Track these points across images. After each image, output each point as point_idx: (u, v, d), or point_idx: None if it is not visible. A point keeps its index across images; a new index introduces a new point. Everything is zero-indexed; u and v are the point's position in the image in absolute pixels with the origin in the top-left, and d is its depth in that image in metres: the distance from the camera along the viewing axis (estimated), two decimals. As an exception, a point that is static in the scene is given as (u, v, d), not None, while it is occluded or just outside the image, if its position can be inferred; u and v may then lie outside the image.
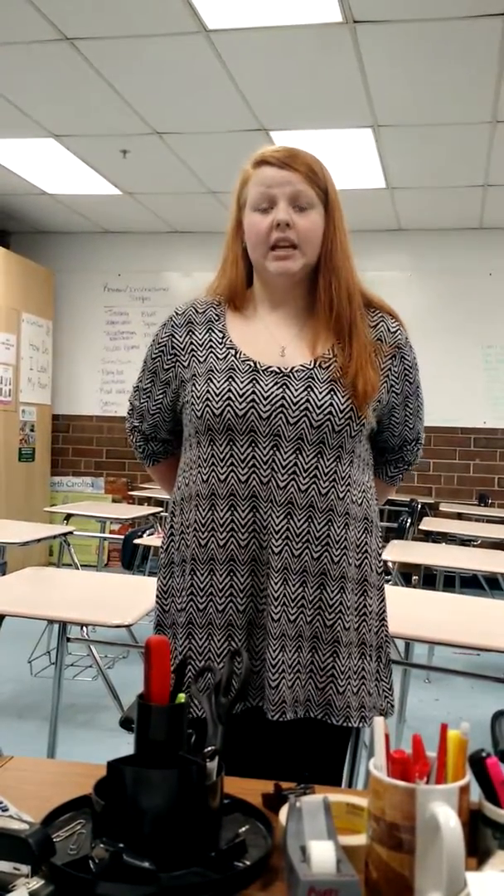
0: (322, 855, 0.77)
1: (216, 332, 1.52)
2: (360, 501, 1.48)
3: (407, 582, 4.39)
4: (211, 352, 1.50)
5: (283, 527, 1.42)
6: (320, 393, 1.43)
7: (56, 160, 5.77)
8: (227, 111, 4.80)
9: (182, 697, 0.92)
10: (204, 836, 0.87)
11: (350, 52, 4.04)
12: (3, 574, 3.26)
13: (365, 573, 1.48)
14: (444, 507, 6.48)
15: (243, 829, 0.95)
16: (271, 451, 1.43)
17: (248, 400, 1.43)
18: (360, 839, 0.85)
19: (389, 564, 3.68)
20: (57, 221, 7.39)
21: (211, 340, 1.51)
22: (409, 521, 5.47)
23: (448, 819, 0.75)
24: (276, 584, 1.42)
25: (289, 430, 1.42)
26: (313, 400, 1.43)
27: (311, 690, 1.44)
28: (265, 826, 0.95)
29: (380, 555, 1.54)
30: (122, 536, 4.64)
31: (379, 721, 0.85)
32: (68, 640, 2.70)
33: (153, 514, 5.39)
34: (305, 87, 4.46)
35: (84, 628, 3.17)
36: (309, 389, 1.44)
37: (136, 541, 4.21)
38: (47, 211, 7.07)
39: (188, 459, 1.52)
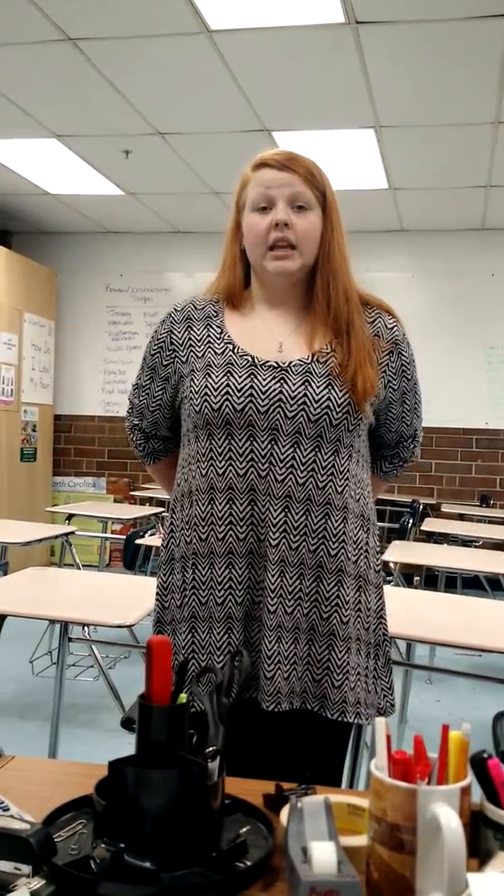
0: (323, 855, 0.77)
1: (214, 327, 1.54)
2: (357, 497, 1.49)
3: (408, 582, 4.39)
4: (209, 347, 1.52)
5: (280, 520, 1.44)
6: (318, 387, 1.45)
7: (58, 160, 5.78)
8: (230, 112, 4.80)
9: (183, 698, 0.92)
10: (205, 837, 0.87)
11: (353, 53, 4.04)
12: (5, 574, 3.26)
13: (362, 569, 1.49)
14: (445, 508, 6.48)
15: (244, 829, 0.95)
16: (269, 445, 1.44)
17: (246, 394, 1.45)
18: (361, 840, 0.85)
19: (391, 565, 3.67)
20: (59, 221, 7.40)
21: (209, 336, 1.53)
22: (411, 521, 5.47)
23: (449, 820, 0.75)
24: (273, 576, 1.43)
25: (287, 425, 1.44)
26: (311, 394, 1.44)
27: (308, 682, 1.45)
28: (266, 826, 0.94)
29: (378, 553, 1.55)
30: (124, 536, 4.64)
31: (380, 721, 0.85)
32: (70, 640, 2.70)
33: (155, 515, 5.39)
34: (308, 87, 4.46)
35: (85, 628, 3.17)
36: (306, 384, 1.45)
37: (138, 541, 4.22)
38: (49, 211, 7.08)
39: (187, 455, 1.53)
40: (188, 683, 1.18)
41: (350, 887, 0.74)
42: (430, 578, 4.48)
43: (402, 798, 0.78)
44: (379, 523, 1.60)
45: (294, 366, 1.47)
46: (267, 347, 1.50)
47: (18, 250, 7.31)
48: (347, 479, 1.47)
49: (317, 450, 1.45)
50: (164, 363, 1.57)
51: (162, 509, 5.51)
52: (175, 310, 1.60)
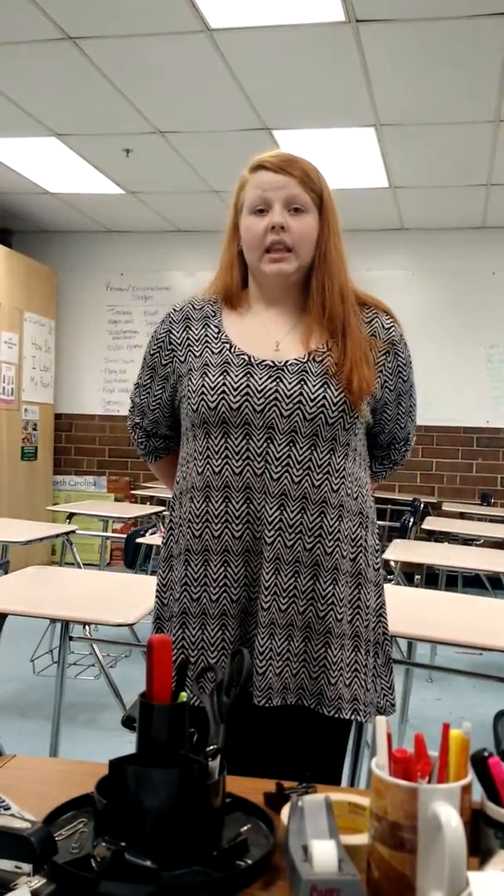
0: (324, 854, 0.77)
1: (212, 327, 1.55)
2: (355, 495, 1.50)
3: (409, 581, 4.38)
4: (206, 346, 1.53)
5: (276, 518, 1.44)
6: (314, 386, 1.46)
7: (59, 159, 5.77)
8: (230, 110, 4.80)
9: (184, 696, 0.92)
10: (206, 835, 0.87)
11: (353, 52, 4.03)
12: (6, 573, 3.26)
13: (360, 567, 1.49)
14: (446, 507, 6.48)
15: (245, 828, 0.95)
16: (265, 444, 1.45)
17: (243, 393, 1.46)
18: (361, 838, 0.85)
19: (392, 564, 3.67)
20: (59, 220, 7.40)
21: (207, 336, 1.55)
22: (412, 520, 5.47)
23: (450, 818, 0.75)
24: (268, 573, 1.44)
25: (282, 423, 1.45)
26: (307, 393, 1.45)
27: (305, 679, 1.46)
28: (267, 825, 0.94)
29: (377, 551, 1.55)
30: (125, 535, 4.64)
31: (381, 720, 0.85)
32: (70, 638, 2.70)
33: (155, 513, 5.39)
34: (308, 86, 4.46)
35: (86, 627, 3.17)
36: (302, 383, 1.46)
37: (139, 539, 4.22)
38: (50, 210, 7.08)
39: (185, 453, 1.55)
40: (189, 682, 1.18)
41: (351, 886, 0.74)
42: (431, 577, 4.48)
43: (403, 797, 0.78)
44: (379, 522, 1.60)
45: (290, 365, 1.48)
46: (264, 347, 1.51)
47: (19, 249, 7.31)
48: (343, 477, 1.48)
49: (312, 448, 1.45)
50: (164, 363, 1.59)
51: (162, 508, 5.51)
52: (174, 310, 1.61)
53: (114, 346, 7.72)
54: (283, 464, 1.45)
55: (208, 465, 1.48)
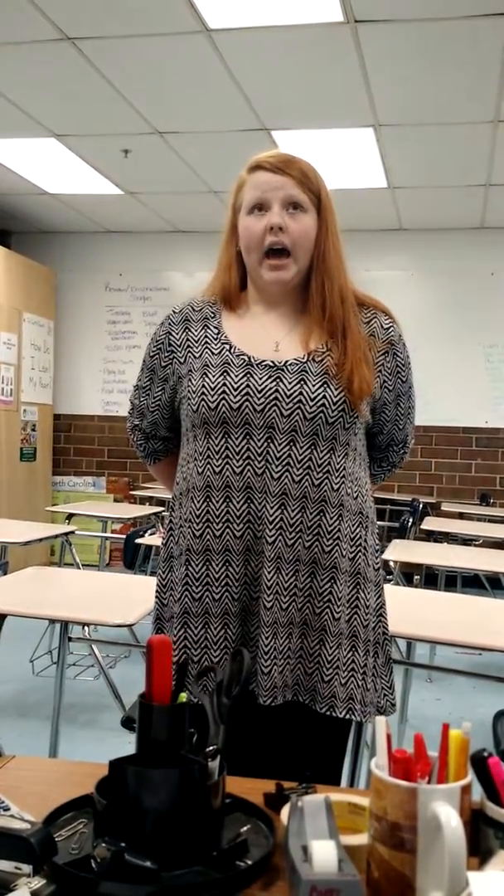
0: (324, 854, 0.77)
1: (212, 328, 1.56)
2: (355, 495, 1.50)
3: (408, 581, 4.39)
4: (206, 347, 1.53)
5: (277, 517, 1.45)
6: (313, 386, 1.46)
7: (57, 160, 5.77)
8: (229, 111, 4.80)
9: (183, 697, 0.92)
10: (205, 836, 0.87)
11: (351, 52, 4.04)
12: (5, 574, 3.26)
13: (359, 566, 1.49)
14: (445, 507, 6.48)
15: (245, 828, 0.95)
16: (265, 443, 1.45)
17: (243, 393, 1.46)
18: (361, 839, 0.85)
19: (391, 564, 3.67)
20: (58, 221, 7.40)
21: (206, 336, 1.55)
22: (411, 520, 5.47)
23: (449, 819, 0.75)
24: (269, 573, 1.45)
25: (282, 423, 1.45)
26: (306, 392, 1.46)
27: (301, 675, 1.47)
28: (267, 825, 0.95)
29: (377, 551, 1.55)
30: (124, 536, 4.64)
31: (381, 720, 0.85)
32: (70, 639, 2.70)
33: (155, 514, 5.39)
34: (307, 86, 4.46)
35: (86, 628, 3.17)
36: (302, 382, 1.46)
37: (138, 540, 4.22)
38: (49, 211, 7.07)
39: (185, 454, 1.55)
40: (189, 682, 1.18)
41: (351, 886, 0.74)
42: (430, 577, 4.48)
43: (403, 797, 0.78)
44: (379, 522, 1.60)
45: (290, 365, 1.48)
46: (263, 347, 1.51)
47: (18, 250, 7.31)
48: (343, 476, 1.48)
49: (313, 447, 1.46)
50: (163, 364, 1.59)
51: (162, 508, 5.51)
52: (173, 312, 1.62)
53: (113, 347, 7.72)
54: (284, 463, 1.45)
55: (209, 466, 1.48)
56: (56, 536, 4.40)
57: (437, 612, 2.64)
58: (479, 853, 0.82)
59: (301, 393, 1.46)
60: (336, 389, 1.46)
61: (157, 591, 1.58)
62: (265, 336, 1.53)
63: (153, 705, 0.91)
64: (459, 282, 7.03)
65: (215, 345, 1.53)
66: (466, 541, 5.11)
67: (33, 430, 7.27)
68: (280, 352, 1.50)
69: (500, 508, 6.74)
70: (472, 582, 5.85)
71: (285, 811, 0.91)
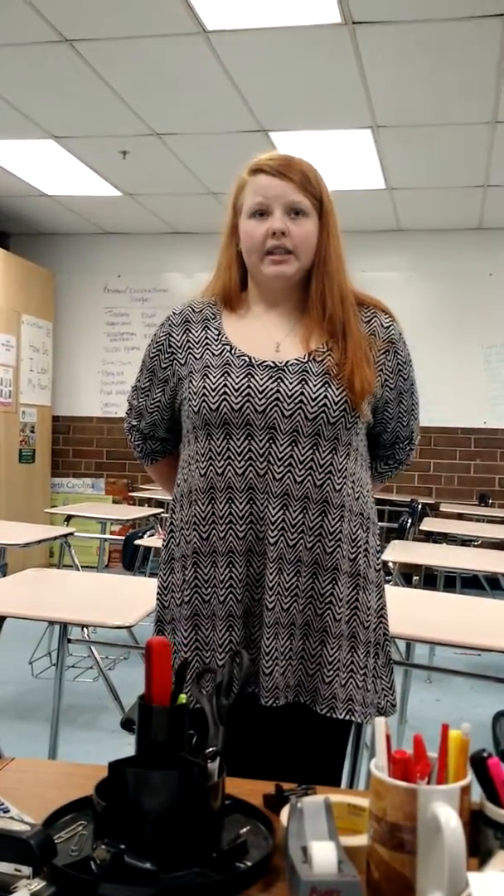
0: (323, 855, 0.77)
1: (212, 329, 1.56)
2: (356, 496, 1.50)
3: (408, 582, 4.39)
4: (207, 348, 1.53)
5: (279, 518, 1.45)
6: (314, 386, 1.46)
7: (55, 161, 5.77)
8: (227, 112, 4.81)
9: (183, 698, 0.92)
10: (205, 837, 0.87)
11: (349, 53, 4.04)
12: (4, 575, 3.26)
13: (360, 567, 1.49)
14: (444, 508, 6.48)
15: (244, 829, 0.95)
16: (267, 444, 1.45)
17: (244, 394, 1.46)
18: (361, 840, 0.85)
19: (390, 564, 3.67)
20: (57, 223, 7.40)
21: (207, 338, 1.55)
22: (410, 521, 5.47)
23: (449, 819, 0.75)
24: (271, 573, 1.45)
25: (284, 423, 1.45)
26: (308, 393, 1.46)
27: (302, 676, 1.47)
28: (266, 827, 0.95)
29: (378, 552, 1.55)
30: (123, 537, 4.65)
31: (380, 721, 0.85)
32: (69, 641, 2.70)
33: (154, 515, 5.39)
34: (305, 87, 4.46)
35: (85, 629, 3.17)
36: (303, 383, 1.46)
37: (137, 542, 4.22)
38: (47, 212, 7.07)
39: (187, 456, 1.55)
40: (188, 683, 1.18)
41: (350, 887, 0.74)
42: (429, 578, 4.48)
43: (403, 798, 0.78)
44: (378, 523, 1.60)
45: (291, 365, 1.48)
46: (264, 348, 1.51)
47: (16, 252, 7.30)
48: (345, 477, 1.48)
49: (314, 448, 1.46)
50: (163, 366, 1.59)
51: (161, 510, 5.51)
52: (173, 313, 1.62)
53: (111, 348, 7.72)
54: (286, 464, 1.45)
55: (211, 467, 1.48)
56: (55, 538, 4.40)
57: (437, 612, 2.64)
58: (478, 854, 0.82)
59: (302, 393, 1.46)
60: (337, 389, 1.46)
61: (158, 594, 1.58)
62: (266, 336, 1.53)
63: (153, 707, 0.91)
64: (458, 282, 7.03)
65: (216, 346, 1.53)
66: (465, 541, 5.12)
67: (32, 431, 7.26)
68: (281, 352, 1.50)
69: (499, 509, 6.74)
70: (472, 583, 5.85)
71: (285, 812, 0.91)
